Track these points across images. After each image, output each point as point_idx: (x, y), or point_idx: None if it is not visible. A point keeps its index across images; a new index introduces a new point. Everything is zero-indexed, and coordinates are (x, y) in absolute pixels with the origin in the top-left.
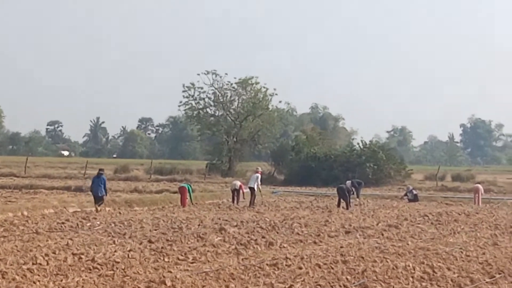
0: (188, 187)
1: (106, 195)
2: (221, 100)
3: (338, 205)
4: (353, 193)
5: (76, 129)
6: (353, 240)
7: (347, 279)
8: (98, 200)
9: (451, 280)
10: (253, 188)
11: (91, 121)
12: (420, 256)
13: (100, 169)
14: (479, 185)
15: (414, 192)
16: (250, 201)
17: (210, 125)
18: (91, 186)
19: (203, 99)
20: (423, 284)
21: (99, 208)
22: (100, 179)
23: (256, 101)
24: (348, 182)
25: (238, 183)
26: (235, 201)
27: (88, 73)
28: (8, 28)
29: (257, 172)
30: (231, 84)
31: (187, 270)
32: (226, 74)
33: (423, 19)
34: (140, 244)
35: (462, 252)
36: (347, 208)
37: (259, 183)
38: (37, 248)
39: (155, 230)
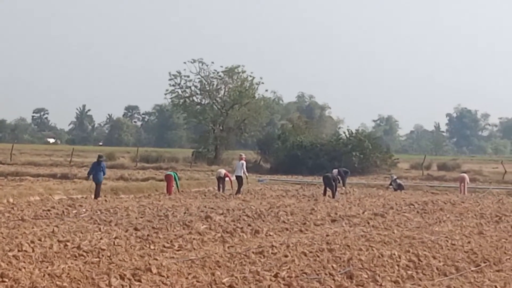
0: (174, 175)
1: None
2: (208, 88)
3: (324, 193)
4: (339, 182)
5: (62, 116)
6: (339, 228)
7: (332, 267)
8: (97, 186)
9: (437, 269)
10: (240, 177)
11: (77, 108)
12: (405, 245)
13: (99, 155)
14: (465, 174)
15: (398, 181)
16: (237, 189)
17: (196, 114)
18: (90, 171)
19: (190, 87)
20: (409, 272)
21: (95, 196)
22: (100, 165)
23: (243, 90)
24: (335, 171)
25: (223, 171)
26: (221, 189)
27: (74, 60)
28: None
29: (241, 159)
30: (218, 72)
31: (173, 257)
32: (213, 62)
33: (410, 9)
34: (126, 231)
35: (447, 241)
36: (333, 197)
37: (245, 170)
38: (22, 235)
39: (141, 217)
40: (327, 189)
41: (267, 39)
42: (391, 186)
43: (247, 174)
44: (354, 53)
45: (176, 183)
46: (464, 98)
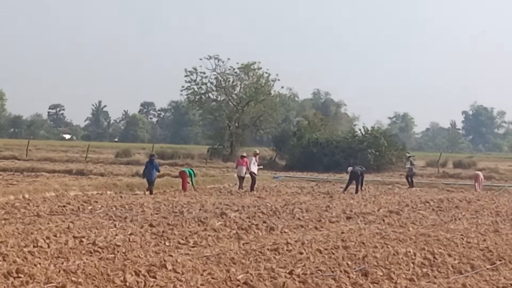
0: (190, 172)
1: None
2: (223, 85)
3: (346, 189)
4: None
5: (78, 112)
6: (354, 225)
7: (347, 264)
8: (150, 184)
9: (452, 267)
10: (254, 173)
11: (93, 105)
12: (421, 242)
13: (151, 155)
14: (479, 172)
15: (412, 162)
16: (251, 186)
17: (212, 110)
18: (144, 170)
19: (205, 84)
20: (424, 270)
21: (150, 192)
22: (152, 164)
23: (258, 86)
24: (358, 168)
25: (244, 169)
26: (240, 187)
27: (90, 57)
28: (12, 11)
29: (254, 155)
30: (234, 69)
31: (188, 254)
32: (229, 59)
33: (426, 6)
34: (141, 228)
35: (463, 239)
36: (356, 192)
37: (250, 166)
38: (38, 231)
39: (156, 214)
40: (351, 184)
41: (283, 36)
42: (408, 167)
43: (254, 170)
44: (370, 51)
45: (192, 180)
46: (480, 96)
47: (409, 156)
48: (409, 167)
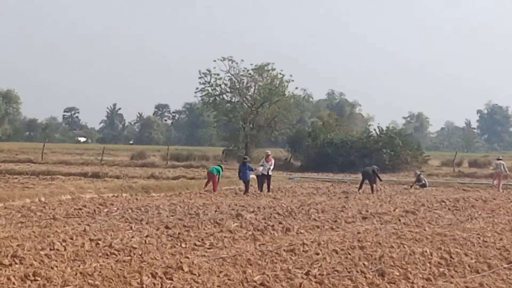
0: (218, 169)
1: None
2: (238, 86)
3: (360, 187)
4: (373, 179)
5: (92, 115)
6: (370, 226)
7: (364, 264)
8: (247, 184)
9: (469, 266)
10: (269, 174)
11: (107, 107)
12: (437, 242)
13: (244, 157)
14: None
15: (422, 177)
16: (267, 187)
17: (227, 112)
18: (239, 174)
19: (219, 85)
20: (441, 269)
21: (246, 191)
22: (246, 166)
23: (273, 88)
24: (370, 168)
25: (260, 168)
26: (261, 188)
27: (105, 60)
28: (25, 11)
29: (267, 157)
30: (248, 70)
31: (204, 255)
32: (243, 60)
33: (439, 5)
34: (157, 230)
35: (479, 238)
36: (372, 192)
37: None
38: (54, 234)
39: (172, 216)
40: (365, 183)
41: (297, 37)
42: (416, 184)
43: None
44: (385, 51)
45: (219, 176)
46: (495, 95)
47: (419, 174)
48: (420, 184)
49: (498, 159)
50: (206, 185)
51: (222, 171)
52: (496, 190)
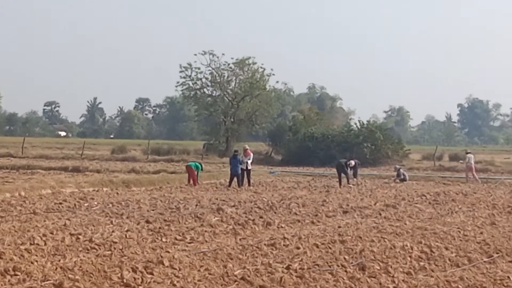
0: (197, 165)
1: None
2: (218, 80)
3: (340, 183)
4: (351, 170)
5: (73, 109)
6: (351, 220)
7: (345, 258)
8: (236, 177)
9: (449, 260)
10: (248, 168)
11: (88, 101)
12: (418, 236)
13: (235, 151)
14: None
15: (402, 171)
16: (248, 181)
17: (207, 106)
18: (230, 166)
19: (200, 79)
20: (421, 263)
21: (238, 185)
22: (236, 159)
23: (253, 81)
24: (342, 161)
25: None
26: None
27: (85, 53)
28: (6, 9)
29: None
30: (228, 64)
31: (185, 250)
32: (223, 54)
33: (420, 1)
34: (138, 224)
35: (460, 232)
36: (348, 182)
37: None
38: (34, 229)
39: (153, 210)
40: (342, 177)
41: (277, 31)
42: (397, 178)
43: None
44: (365, 44)
45: (197, 174)
46: (476, 89)
47: (399, 168)
48: (400, 178)
49: (468, 153)
50: (189, 181)
51: (201, 170)
52: (476, 183)
